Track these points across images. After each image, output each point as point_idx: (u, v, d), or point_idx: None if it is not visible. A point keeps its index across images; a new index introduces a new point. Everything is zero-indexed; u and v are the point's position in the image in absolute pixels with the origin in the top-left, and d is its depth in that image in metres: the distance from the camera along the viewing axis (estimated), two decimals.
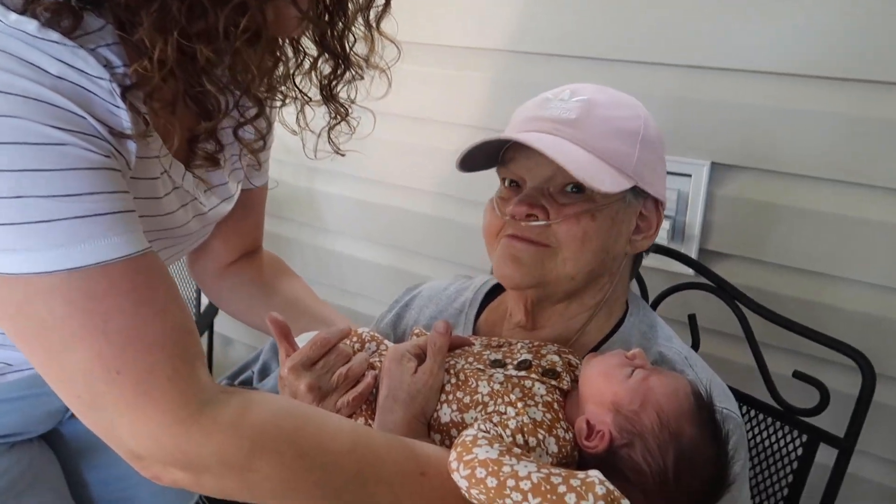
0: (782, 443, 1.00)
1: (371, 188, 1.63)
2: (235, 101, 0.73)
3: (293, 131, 0.89)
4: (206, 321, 1.79)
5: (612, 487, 0.63)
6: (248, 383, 1.54)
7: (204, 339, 1.86)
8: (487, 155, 0.90)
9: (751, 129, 1.15)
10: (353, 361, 0.84)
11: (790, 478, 0.98)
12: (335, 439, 0.67)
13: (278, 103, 0.87)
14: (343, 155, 0.90)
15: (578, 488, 0.63)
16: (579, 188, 0.84)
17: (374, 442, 0.69)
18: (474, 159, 0.88)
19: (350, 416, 0.83)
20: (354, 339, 0.91)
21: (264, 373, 1.63)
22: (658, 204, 0.91)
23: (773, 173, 1.15)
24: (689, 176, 1.20)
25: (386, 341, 0.93)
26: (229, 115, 0.75)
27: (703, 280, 1.09)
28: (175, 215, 0.81)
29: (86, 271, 0.59)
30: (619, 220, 0.87)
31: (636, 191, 0.86)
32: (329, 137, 0.87)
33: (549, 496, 0.63)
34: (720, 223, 1.21)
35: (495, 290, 1.02)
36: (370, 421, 0.83)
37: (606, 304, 0.90)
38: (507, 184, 0.90)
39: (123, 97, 0.63)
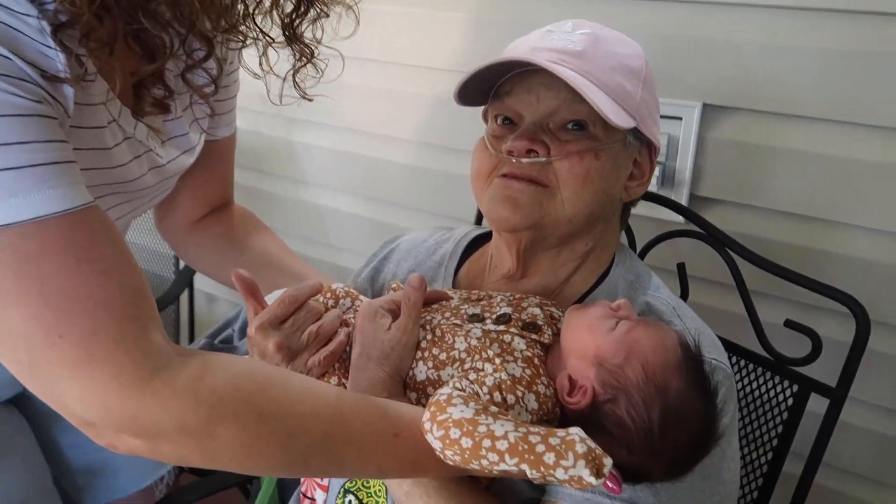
0: (772, 393, 0.97)
1: (350, 138, 1.57)
2: (182, 40, 0.67)
3: (255, 75, 0.83)
4: (185, 279, 1.75)
5: (593, 445, 0.59)
6: (228, 341, 1.50)
7: (185, 297, 1.82)
8: (482, 91, 0.85)
9: (743, 67, 1.09)
10: (325, 319, 0.81)
11: (780, 428, 0.96)
12: (301, 402, 0.64)
13: (238, 45, 0.81)
14: (310, 100, 0.84)
15: (558, 447, 0.59)
16: (581, 125, 0.80)
17: (342, 403, 0.66)
18: (470, 91, 0.84)
19: (322, 376, 0.80)
20: (328, 295, 0.87)
21: (246, 331, 1.60)
22: (652, 150, 0.87)
23: (767, 114, 1.10)
24: (680, 119, 1.15)
25: (361, 297, 0.89)
26: (177, 56, 0.69)
27: (692, 227, 1.05)
28: (128, 167, 0.75)
29: (18, 228, 0.54)
30: (619, 162, 0.83)
31: (636, 133, 0.83)
32: (294, 81, 0.81)
33: (526, 456, 0.60)
34: (711, 168, 1.16)
35: (476, 242, 0.98)
36: (343, 380, 0.79)
37: (595, 253, 0.86)
38: (499, 121, 0.84)
39: (55, 36, 0.57)
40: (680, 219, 1.14)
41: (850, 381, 0.90)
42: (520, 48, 0.83)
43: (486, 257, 0.94)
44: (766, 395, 0.98)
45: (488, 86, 0.84)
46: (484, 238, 0.98)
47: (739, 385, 1.01)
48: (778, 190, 1.12)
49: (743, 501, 1.01)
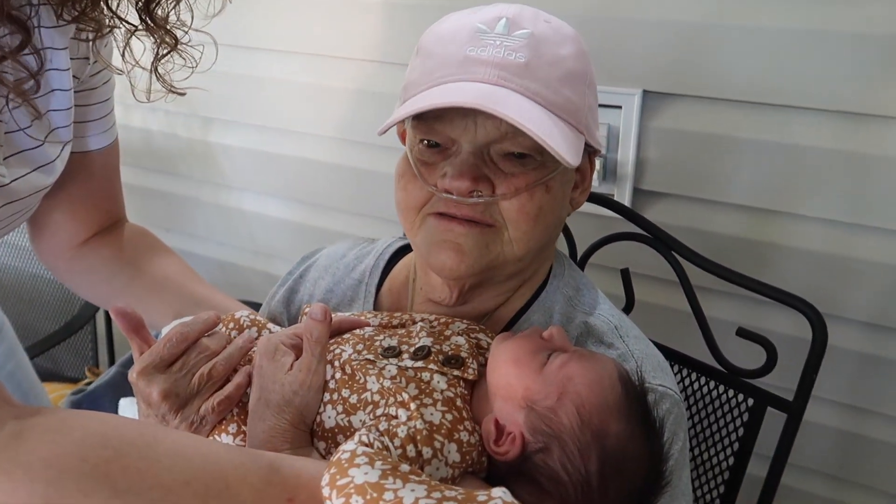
0: (726, 408, 0.90)
1: (270, 137, 1.46)
2: None
3: (119, 71, 0.71)
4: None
5: None
6: None
7: (102, 316, 1.68)
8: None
9: (686, 50, 1.01)
10: (219, 358, 0.70)
11: (736, 446, 0.88)
12: (169, 468, 0.53)
13: (92, 35, 0.69)
14: (182, 94, 0.73)
15: None
16: (526, 154, 0.69)
17: (221, 466, 0.55)
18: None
19: (218, 424, 0.69)
20: (230, 325, 0.76)
21: None
22: (593, 152, 0.77)
23: (712, 100, 1.02)
24: (620, 108, 1.06)
25: (270, 325, 0.78)
26: None
27: (636, 229, 0.96)
28: None
29: None
30: (566, 180, 0.73)
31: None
32: (157, 73, 0.69)
33: None
34: (655, 159, 1.08)
35: (400, 253, 0.88)
36: (244, 427, 0.69)
37: (534, 270, 0.77)
38: (426, 143, 0.71)
39: None
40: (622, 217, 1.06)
41: (809, 393, 0.84)
42: (449, 56, 0.70)
43: (408, 270, 0.84)
44: (719, 411, 0.90)
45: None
46: (407, 249, 0.88)
47: (692, 399, 0.93)
48: (726, 181, 1.05)
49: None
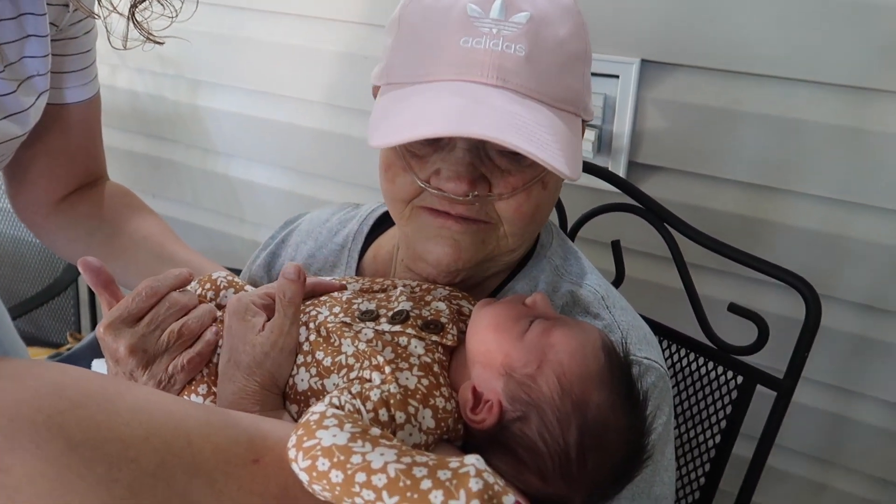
0: (716, 384, 0.87)
1: (258, 101, 1.42)
2: None
3: (94, 14, 0.68)
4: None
5: (491, 481, 0.48)
6: None
7: (84, 284, 1.65)
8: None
9: (686, 19, 0.97)
10: (190, 315, 0.67)
11: (723, 424, 0.86)
12: (128, 423, 0.50)
13: None
14: (161, 43, 0.69)
15: (447, 483, 0.48)
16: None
17: (186, 423, 0.52)
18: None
19: (187, 385, 0.66)
20: (207, 286, 0.74)
21: None
22: (583, 123, 0.73)
23: (712, 71, 0.99)
24: (616, 77, 1.02)
25: (248, 287, 0.76)
26: None
27: (629, 200, 0.94)
28: None
29: None
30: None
31: None
32: (134, 20, 0.66)
33: (408, 494, 0.48)
34: (652, 132, 1.05)
35: (385, 220, 0.85)
36: (214, 388, 0.66)
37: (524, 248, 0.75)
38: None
39: None
40: (615, 189, 1.03)
41: (800, 372, 0.82)
42: (440, 46, 0.64)
43: (394, 241, 0.81)
44: (708, 387, 0.88)
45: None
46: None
47: (680, 376, 0.91)
48: (723, 156, 1.02)
49: (690, 488, 0.92)
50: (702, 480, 0.90)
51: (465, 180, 0.63)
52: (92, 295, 1.67)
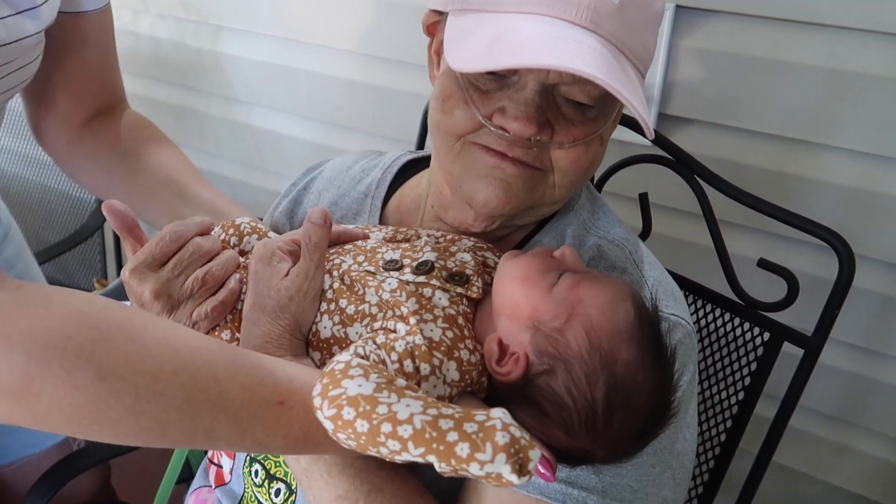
0: (741, 340, 0.86)
1: (283, 48, 1.39)
2: None
3: None
4: None
5: (518, 434, 0.48)
6: None
7: (110, 230, 1.67)
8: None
9: None
10: (214, 262, 0.67)
11: (747, 381, 0.86)
12: (157, 356, 0.51)
13: None
14: None
15: (474, 436, 0.47)
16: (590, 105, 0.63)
17: (215, 360, 0.53)
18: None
19: (211, 331, 0.67)
20: (230, 231, 0.74)
21: None
22: None
23: (750, 18, 0.95)
24: None
25: (271, 234, 0.75)
26: None
27: (658, 152, 0.91)
28: None
29: None
30: (612, 129, 0.70)
31: None
32: None
33: (434, 446, 0.48)
34: (684, 82, 1.02)
35: (409, 168, 0.84)
36: (238, 335, 0.66)
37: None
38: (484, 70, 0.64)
39: None
40: (647, 141, 1.00)
41: (829, 330, 0.80)
42: None
43: (420, 188, 0.80)
44: (733, 344, 0.87)
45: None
46: (418, 163, 0.84)
47: (704, 332, 0.90)
48: (759, 108, 0.99)
49: (710, 444, 0.92)
50: (723, 437, 0.90)
51: (533, 122, 0.61)
52: (118, 241, 1.69)
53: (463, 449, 0.47)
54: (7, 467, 1.08)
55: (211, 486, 0.81)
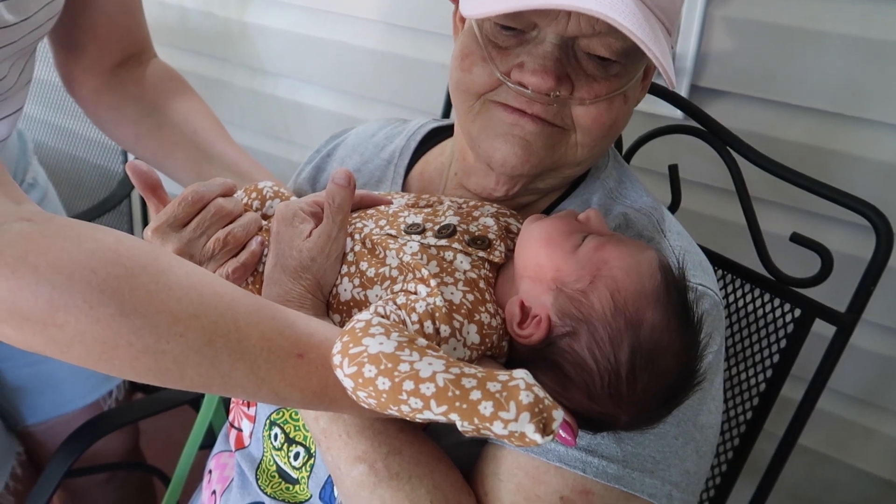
0: (771, 317, 0.84)
1: (310, 18, 1.38)
2: None
3: None
4: None
5: (541, 395, 0.47)
6: None
7: (138, 193, 1.68)
8: None
9: None
10: (236, 223, 0.67)
11: (776, 358, 0.84)
12: (180, 298, 0.51)
13: None
14: None
15: (497, 395, 0.47)
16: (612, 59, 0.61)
17: (236, 307, 0.53)
18: None
19: None
20: (253, 195, 0.73)
21: None
22: None
23: None
24: None
25: (294, 198, 0.75)
26: None
27: (689, 123, 0.89)
28: None
29: None
30: (638, 88, 0.67)
31: None
32: None
33: (457, 404, 0.47)
34: (718, 53, 0.99)
35: (434, 136, 0.83)
36: (259, 296, 0.66)
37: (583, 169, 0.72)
38: (501, 23, 0.62)
39: None
40: (677, 114, 0.98)
41: (863, 307, 0.78)
42: None
43: (444, 157, 0.79)
44: (763, 320, 0.85)
45: None
46: (442, 132, 0.83)
47: (733, 308, 0.88)
48: (795, 80, 0.96)
49: (734, 422, 0.91)
50: (749, 415, 0.88)
51: (552, 76, 0.60)
52: (144, 210, 1.70)
53: (486, 407, 0.46)
54: (40, 425, 1.11)
55: (231, 451, 0.81)
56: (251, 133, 1.61)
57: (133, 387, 1.31)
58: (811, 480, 1.19)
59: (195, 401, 1.25)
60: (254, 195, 0.73)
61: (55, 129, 1.74)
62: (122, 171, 1.62)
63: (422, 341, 0.51)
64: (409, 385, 0.48)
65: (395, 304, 0.56)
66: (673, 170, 0.89)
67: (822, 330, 0.83)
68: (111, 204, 1.51)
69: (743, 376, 0.89)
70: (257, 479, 0.74)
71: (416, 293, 0.57)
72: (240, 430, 0.80)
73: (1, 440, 1.07)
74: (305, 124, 1.52)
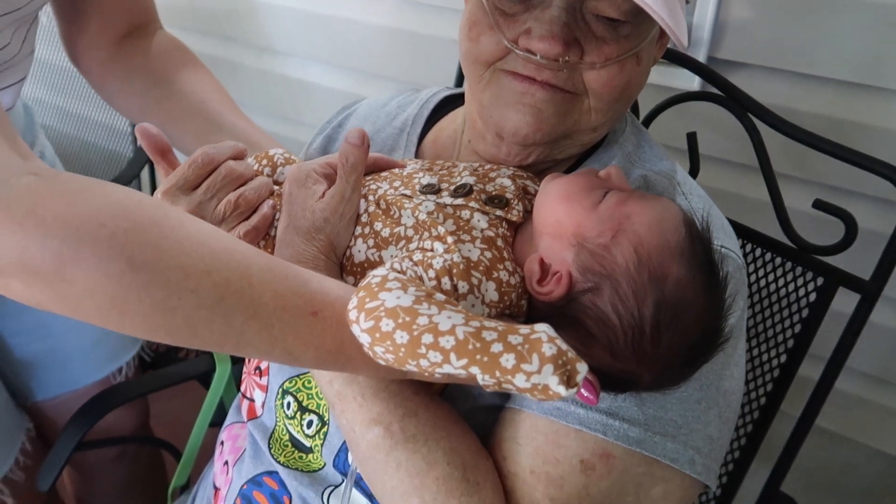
0: (792, 286, 0.82)
1: None
2: None
3: None
4: (145, 155, 1.59)
5: (564, 347, 0.45)
6: None
7: (146, 175, 1.68)
8: None
9: None
10: (247, 186, 0.65)
11: (798, 327, 0.82)
12: (191, 253, 0.50)
13: None
14: None
15: (519, 347, 0.45)
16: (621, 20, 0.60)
17: (249, 265, 0.51)
18: None
19: None
20: (264, 161, 0.72)
21: None
22: None
23: None
24: None
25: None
26: None
27: (708, 89, 0.87)
28: None
29: None
30: (652, 49, 0.65)
31: None
32: None
33: (478, 357, 0.46)
34: (737, 22, 0.97)
35: (446, 104, 0.81)
36: None
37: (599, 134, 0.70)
38: None
39: None
40: (694, 84, 0.96)
41: (888, 274, 0.76)
42: None
43: (457, 123, 0.77)
44: (783, 290, 0.83)
45: None
46: (455, 100, 0.81)
47: (753, 277, 0.86)
48: (816, 50, 0.93)
49: (749, 407, 0.89)
50: (769, 387, 0.87)
51: (559, 41, 0.58)
52: (153, 189, 1.70)
53: (508, 360, 0.45)
54: (49, 401, 1.11)
55: (243, 422, 0.80)
56: (259, 114, 1.58)
57: (143, 365, 1.30)
58: (827, 462, 1.17)
59: (205, 376, 1.25)
60: (265, 162, 0.72)
61: (61, 113, 1.74)
62: (129, 154, 1.62)
63: (440, 296, 0.50)
64: (427, 338, 0.47)
65: (411, 260, 0.54)
66: (691, 137, 0.88)
67: (842, 308, 0.81)
68: (121, 183, 1.51)
69: (764, 347, 0.87)
70: (270, 449, 0.72)
71: (432, 250, 0.56)
72: (252, 400, 0.78)
73: (10, 416, 1.06)
74: (313, 104, 1.51)
